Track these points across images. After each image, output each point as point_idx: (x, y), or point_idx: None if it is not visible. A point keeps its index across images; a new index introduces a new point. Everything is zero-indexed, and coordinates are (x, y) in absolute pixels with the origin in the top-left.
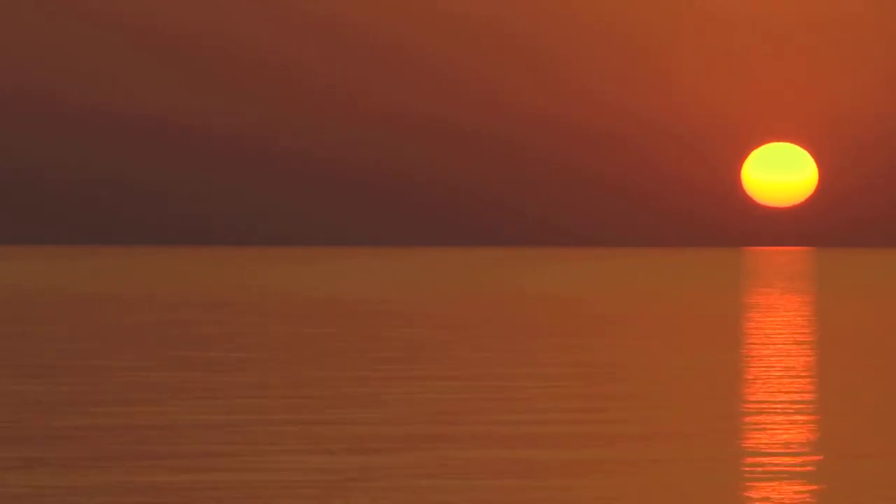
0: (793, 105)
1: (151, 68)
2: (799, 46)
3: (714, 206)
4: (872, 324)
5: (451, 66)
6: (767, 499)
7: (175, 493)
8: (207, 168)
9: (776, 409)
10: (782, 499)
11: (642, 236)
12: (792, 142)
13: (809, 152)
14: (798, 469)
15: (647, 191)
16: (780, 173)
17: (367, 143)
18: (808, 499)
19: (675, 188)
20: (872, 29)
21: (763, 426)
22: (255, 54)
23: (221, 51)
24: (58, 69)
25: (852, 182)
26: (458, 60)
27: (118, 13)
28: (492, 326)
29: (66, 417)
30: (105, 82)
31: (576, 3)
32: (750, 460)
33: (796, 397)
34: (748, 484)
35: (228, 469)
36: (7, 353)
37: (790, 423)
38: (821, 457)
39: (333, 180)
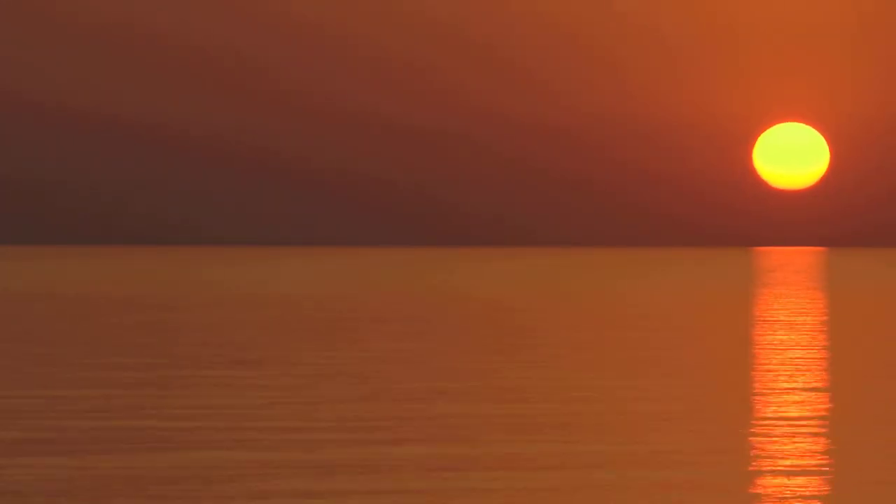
0: (790, 93)
1: (139, 74)
2: (796, 34)
3: (725, 196)
4: (883, 325)
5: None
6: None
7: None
8: (163, 168)
9: (781, 392)
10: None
11: (651, 236)
12: (799, 122)
13: (818, 130)
14: (806, 473)
15: (657, 187)
16: (791, 154)
17: (331, 143)
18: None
19: (680, 184)
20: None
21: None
22: (249, 64)
23: (226, 64)
24: (27, 70)
25: (865, 165)
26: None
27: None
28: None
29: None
30: (82, 86)
31: (570, 3)
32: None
33: (805, 410)
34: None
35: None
36: None
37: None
38: (830, 460)
39: (299, 180)
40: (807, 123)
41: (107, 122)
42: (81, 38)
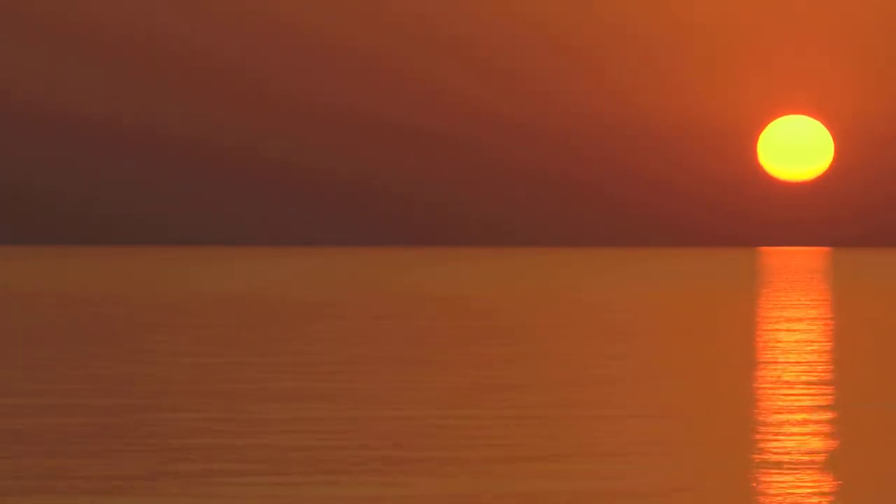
0: (793, 87)
1: (118, 75)
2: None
3: (727, 195)
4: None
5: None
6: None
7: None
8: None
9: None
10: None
11: (652, 236)
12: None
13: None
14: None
15: (668, 185)
16: (795, 147)
17: (312, 142)
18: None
19: (686, 182)
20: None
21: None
22: (218, 64)
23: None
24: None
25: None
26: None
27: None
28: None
29: None
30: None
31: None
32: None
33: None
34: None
35: None
36: None
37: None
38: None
39: (279, 180)
40: (811, 116)
41: (82, 122)
42: (64, 38)
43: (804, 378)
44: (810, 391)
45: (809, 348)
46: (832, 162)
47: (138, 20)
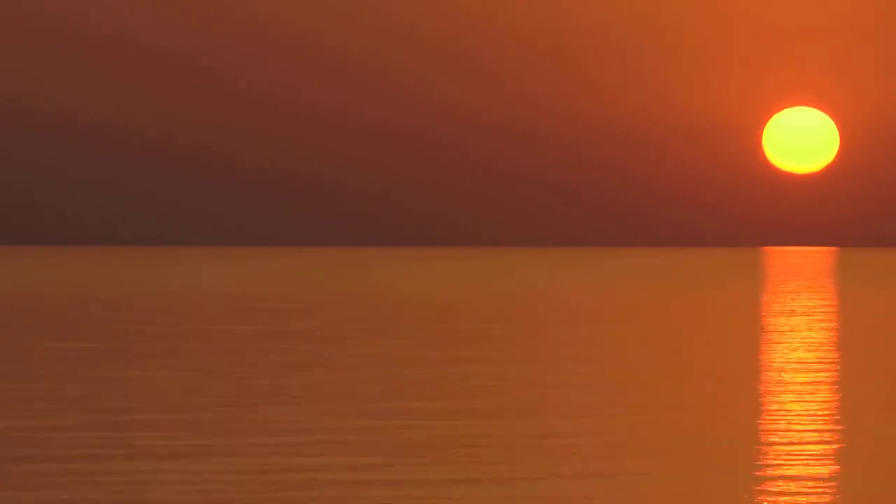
0: (795, 80)
1: (92, 73)
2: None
3: (728, 195)
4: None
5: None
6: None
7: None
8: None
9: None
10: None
11: (652, 237)
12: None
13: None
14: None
15: (669, 186)
16: (801, 140)
17: (292, 144)
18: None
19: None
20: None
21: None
22: (205, 65)
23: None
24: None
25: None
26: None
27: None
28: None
29: None
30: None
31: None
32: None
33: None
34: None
35: None
36: None
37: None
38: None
39: (256, 181)
40: (814, 107)
41: (57, 120)
42: (39, 36)
43: (807, 379)
44: (812, 395)
45: (812, 354)
46: (837, 154)
47: (126, 24)
